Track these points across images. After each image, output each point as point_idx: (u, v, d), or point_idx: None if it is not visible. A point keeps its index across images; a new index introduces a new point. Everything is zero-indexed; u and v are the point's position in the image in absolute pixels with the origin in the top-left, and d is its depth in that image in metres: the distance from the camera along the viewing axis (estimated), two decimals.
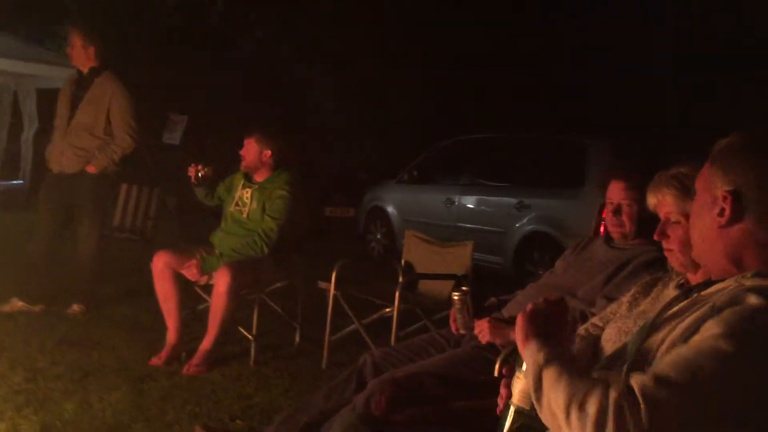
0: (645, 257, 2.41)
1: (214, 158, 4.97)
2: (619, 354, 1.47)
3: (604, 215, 6.06)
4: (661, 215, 1.80)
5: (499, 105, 12.48)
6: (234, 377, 3.78)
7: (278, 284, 4.25)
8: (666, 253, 1.82)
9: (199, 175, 4.27)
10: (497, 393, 1.86)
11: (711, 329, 1.16)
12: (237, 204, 4.19)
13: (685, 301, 1.37)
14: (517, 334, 1.38)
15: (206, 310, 4.17)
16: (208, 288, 4.11)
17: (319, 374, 3.94)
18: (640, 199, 2.46)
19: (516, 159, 7.71)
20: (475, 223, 7.50)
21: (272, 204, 4.06)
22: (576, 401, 1.16)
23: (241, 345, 4.25)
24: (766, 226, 1.29)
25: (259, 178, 4.19)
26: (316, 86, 13.17)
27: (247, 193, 4.16)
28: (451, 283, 4.06)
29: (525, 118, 11.18)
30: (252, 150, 4.15)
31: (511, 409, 1.43)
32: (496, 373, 2.36)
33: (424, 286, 4.30)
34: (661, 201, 1.79)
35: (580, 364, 1.45)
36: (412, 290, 4.25)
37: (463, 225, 7.58)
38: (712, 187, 1.34)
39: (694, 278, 1.79)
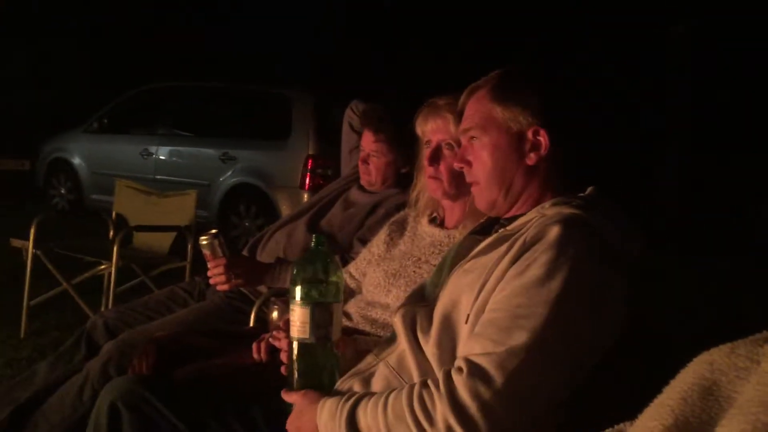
0: (395, 200, 2.46)
1: None
2: (419, 295, 1.44)
3: (309, 167, 6.34)
4: (434, 141, 1.78)
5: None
6: None
7: None
8: (430, 181, 1.80)
9: None
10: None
11: (534, 270, 1.15)
12: None
13: (491, 238, 1.31)
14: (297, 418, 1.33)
15: None
16: None
17: (19, 345, 3.42)
18: (388, 152, 2.49)
19: (218, 109, 7.45)
20: (177, 175, 7.11)
21: None
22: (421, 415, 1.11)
23: None
24: (568, 158, 1.34)
25: None
26: None
27: None
28: (171, 236, 3.81)
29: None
30: None
31: (295, 345, 1.37)
32: (251, 324, 2.26)
33: (140, 240, 3.96)
34: (439, 127, 1.76)
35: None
36: (126, 245, 3.88)
37: (164, 178, 7.15)
38: (511, 124, 1.33)
39: (451, 207, 1.84)
